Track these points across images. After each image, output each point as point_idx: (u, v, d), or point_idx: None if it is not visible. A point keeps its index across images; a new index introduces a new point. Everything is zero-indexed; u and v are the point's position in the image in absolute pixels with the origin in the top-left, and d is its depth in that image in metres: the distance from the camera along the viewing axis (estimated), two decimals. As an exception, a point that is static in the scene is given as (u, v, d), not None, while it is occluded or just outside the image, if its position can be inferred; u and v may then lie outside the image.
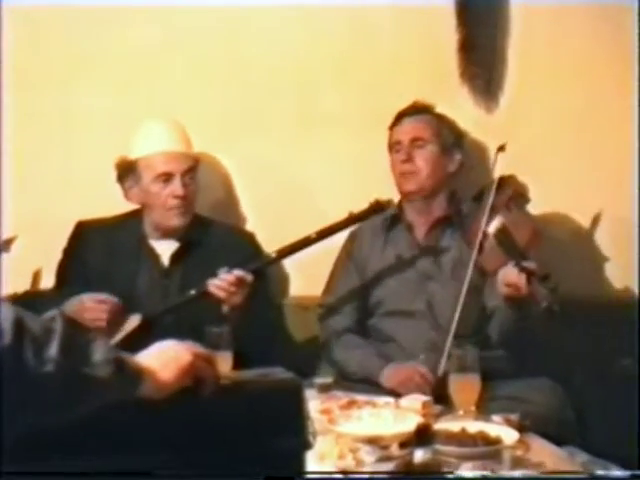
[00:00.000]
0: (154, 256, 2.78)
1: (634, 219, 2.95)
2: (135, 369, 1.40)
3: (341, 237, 2.86)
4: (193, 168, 2.75)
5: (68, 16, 2.98)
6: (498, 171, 2.71)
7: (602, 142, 3.04)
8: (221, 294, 2.58)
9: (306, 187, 3.09)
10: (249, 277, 2.59)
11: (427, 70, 3.03)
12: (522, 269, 2.37)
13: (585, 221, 3.06)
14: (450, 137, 2.86)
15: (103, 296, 2.60)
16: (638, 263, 2.96)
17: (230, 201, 3.09)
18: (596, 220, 3.05)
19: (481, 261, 2.59)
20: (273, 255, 2.68)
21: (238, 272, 2.57)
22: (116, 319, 2.59)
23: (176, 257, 2.77)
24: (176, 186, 2.70)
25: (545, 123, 3.06)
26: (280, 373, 1.64)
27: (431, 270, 2.79)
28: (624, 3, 2.95)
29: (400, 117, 2.87)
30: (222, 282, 2.57)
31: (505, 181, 2.71)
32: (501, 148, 2.71)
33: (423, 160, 2.81)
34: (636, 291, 2.99)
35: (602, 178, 3.03)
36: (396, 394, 2.45)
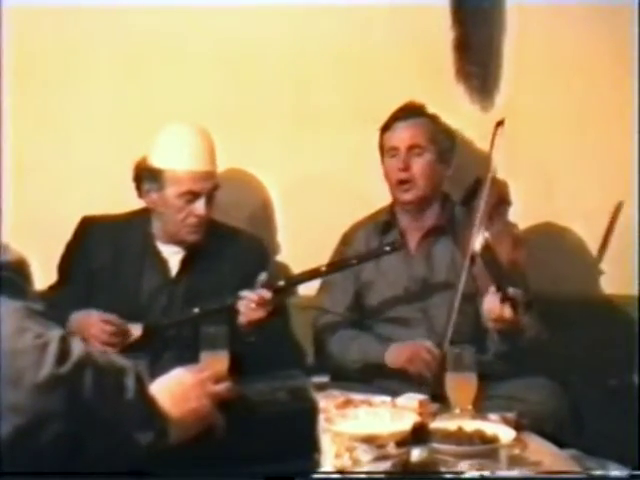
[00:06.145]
0: (161, 260, 2.74)
1: (634, 219, 2.95)
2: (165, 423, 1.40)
3: (338, 237, 2.89)
4: (217, 187, 2.69)
5: (68, 16, 2.99)
6: (497, 147, 2.61)
7: (600, 142, 3.04)
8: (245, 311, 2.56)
9: (302, 184, 3.09)
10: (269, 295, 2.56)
11: (423, 69, 3.03)
12: (504, 299, 2.31)
13: (583, 221, 3.06)
14: (446, 141, 2.80)
15: (111, 317, 2.59)
16: (638, 263, 2.96)
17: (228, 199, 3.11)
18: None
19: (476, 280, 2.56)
20: (281, 283, 2.65)
21: (261, 291, 2.56)
22: (118, 340, 2.58)
23: (184, 264, 2.74)
24: (200, 205, 2.64)
25: (541, 123, 3.05)
26: (294, 381, 1.61)
27: (425, 277, 2.76)
28: (622, 3, 2.95)
29: (394, 121, 2.78)
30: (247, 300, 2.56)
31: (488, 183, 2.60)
32: (500, 123, 2.63)
33: (421, 169, 2.74)
34: (636, 291, 2.97)
35: (600, 178, 3.03)
36: (403, 372, 2.46)
